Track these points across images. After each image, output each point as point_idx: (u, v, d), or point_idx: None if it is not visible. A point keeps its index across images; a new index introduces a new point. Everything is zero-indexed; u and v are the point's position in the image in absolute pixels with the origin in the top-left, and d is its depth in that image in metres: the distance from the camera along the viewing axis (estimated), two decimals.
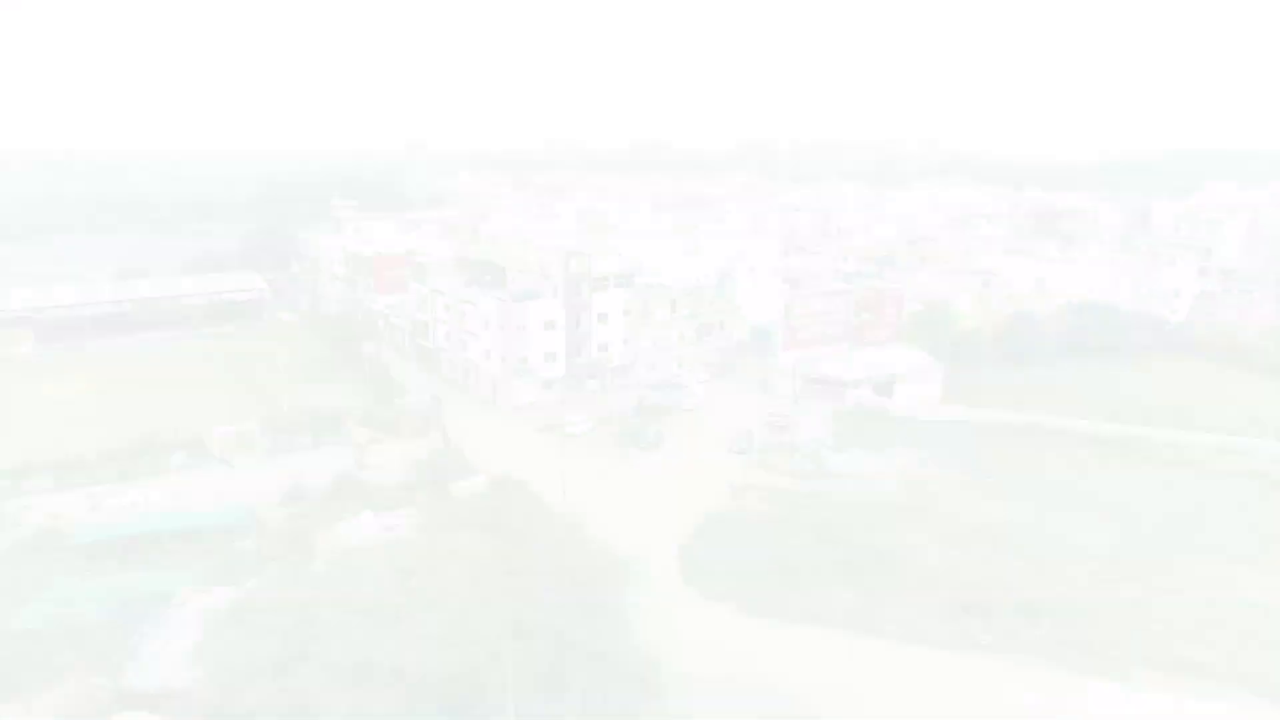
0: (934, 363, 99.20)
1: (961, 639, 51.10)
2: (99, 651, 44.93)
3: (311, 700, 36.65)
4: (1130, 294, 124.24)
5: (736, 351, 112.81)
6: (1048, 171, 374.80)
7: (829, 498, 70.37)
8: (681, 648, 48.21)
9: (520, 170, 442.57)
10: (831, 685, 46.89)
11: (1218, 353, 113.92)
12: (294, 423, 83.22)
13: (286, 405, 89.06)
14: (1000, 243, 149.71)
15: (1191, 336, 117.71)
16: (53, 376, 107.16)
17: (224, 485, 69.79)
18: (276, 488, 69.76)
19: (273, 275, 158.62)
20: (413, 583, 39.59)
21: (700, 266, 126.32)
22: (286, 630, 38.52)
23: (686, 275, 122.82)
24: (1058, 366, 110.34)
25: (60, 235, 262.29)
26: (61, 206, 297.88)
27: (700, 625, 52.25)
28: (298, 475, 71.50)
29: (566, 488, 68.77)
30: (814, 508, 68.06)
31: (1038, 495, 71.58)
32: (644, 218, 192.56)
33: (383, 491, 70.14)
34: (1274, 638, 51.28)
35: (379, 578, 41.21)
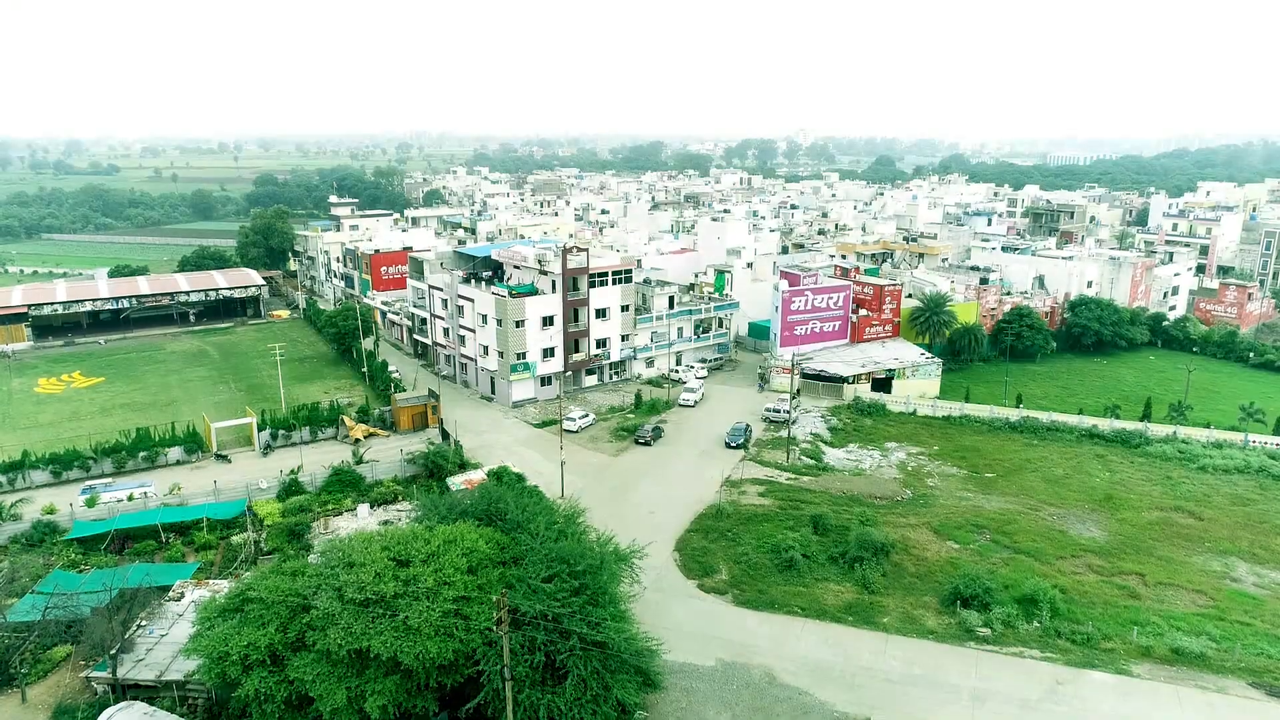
0: (931, 358, 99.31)
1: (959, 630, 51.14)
2: (95, 643, 44.86)
3: (308, 690, 36.66)
4: (1127, 291, 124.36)
5: (735, 347, 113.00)
6: (1046, 169, 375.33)
7: (826, 492, 70.44)
8: (682, 638, 48.29)
9: (519, 167, 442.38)
10: (831, 676, 46.97)
11: (1214, 349, 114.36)
12: (291, 418, 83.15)
13: (284, 400, 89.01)
14: (998, 240, 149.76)
15: (1188, 333, 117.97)
16: (50, 372, 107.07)
17: (221, 479, 69.68)
18: (273, 482, 69.76)
19: (271, 272, 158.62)
20: (409, 572, 39.48)
21: (698, 263, 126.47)
22: (283, 621, 38.43)
23: (685, 271, 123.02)
24: (1054, 362, 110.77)
25: (58, 232, 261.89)
26: (60, 204, 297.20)
27: (697, 615, 52.38)
28: (294, 470, 71.47)
29: (564, 481, 68.85)
30: (810, 501, 68.10)
31: (1034, 489, 71.73)
32: (642, 214, 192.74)
33: (380, 486, 70.27)
34: (1269, 629, 51.39)
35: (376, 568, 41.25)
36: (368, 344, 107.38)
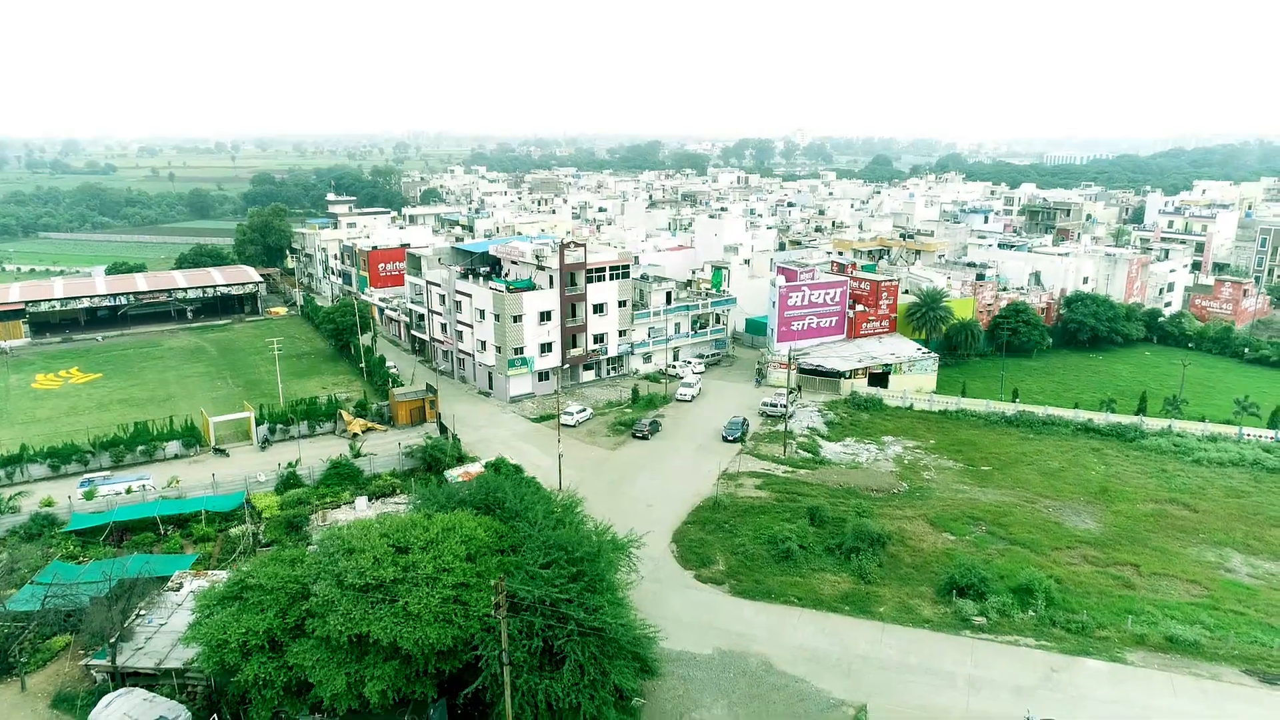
0: (928, 353, 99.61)
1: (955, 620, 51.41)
2: (94, 632, 45.02)
3: (307, 676, 36.84)
4: (1122, 287, 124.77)
5: (732, 343, 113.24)
6: (1043, 168, 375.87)
7: (823, 484, 70.68)
8: (680, 627, 48.53)
9: (516, 167, 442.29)
10: (827, 665, 47.20)
11: (1209, 344, 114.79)
12: (289, 412, 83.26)
13: (282, 396, 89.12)
14: (994, 237, 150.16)
15: (1183, 328, 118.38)
16: (48, 368, 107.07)
17: (219, 472, 69.83)
18: (271, 475, 69.91)
19: (268, 270, 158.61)
20: (408, 559, 39.66)
21: (695, 260, 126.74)
22: (282, 607, 38.61)
23: (682, 268, 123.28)
24: (1050, 358, 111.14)
25: (55, 231, 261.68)
26: (57, 203, 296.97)
27: (694, 605, 52.62)
28: (292, 463, 71.63)
29: (562, 474, 69.04)
30: (807, 494, 68.34)
31: (1030, 482, 72.02)
32: (640, 213, 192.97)
33: (378, 479, 70.46)
34: (1263, 617, 51.69)
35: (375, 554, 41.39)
36: (365, 340, 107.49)
